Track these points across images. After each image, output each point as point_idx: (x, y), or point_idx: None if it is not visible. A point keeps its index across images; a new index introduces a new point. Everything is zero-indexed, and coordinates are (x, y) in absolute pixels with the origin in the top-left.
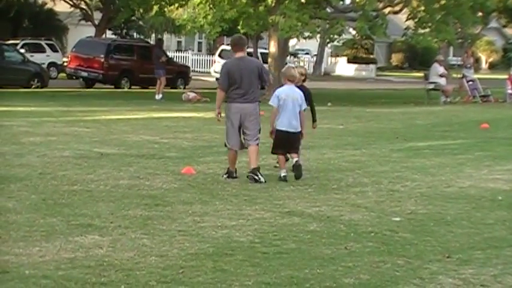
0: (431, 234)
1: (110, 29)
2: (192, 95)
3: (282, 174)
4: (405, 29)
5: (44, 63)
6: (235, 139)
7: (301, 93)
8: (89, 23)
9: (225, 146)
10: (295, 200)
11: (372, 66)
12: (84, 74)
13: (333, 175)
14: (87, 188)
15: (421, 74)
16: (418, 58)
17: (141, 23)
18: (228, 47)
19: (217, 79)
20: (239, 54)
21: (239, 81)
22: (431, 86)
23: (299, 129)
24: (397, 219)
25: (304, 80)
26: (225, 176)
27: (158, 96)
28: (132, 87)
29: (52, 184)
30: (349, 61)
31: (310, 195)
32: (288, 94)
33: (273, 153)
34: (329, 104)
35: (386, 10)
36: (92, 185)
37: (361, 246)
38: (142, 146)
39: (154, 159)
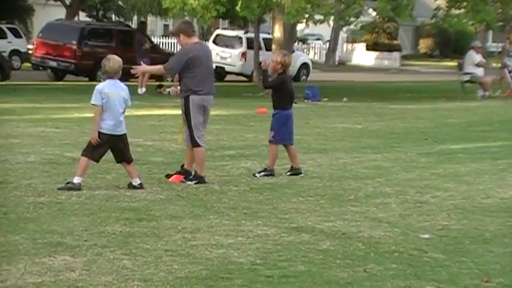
0: (467, 254)
1: (83, 10)
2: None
3: (76, 181)
4: (435, 9)
5: (4, 52)
6: (204, 134)
7: (127, 88)
8: (59, 2)
9: (196, 145)
10: (304, 213)
11: (396, 54)
12: (53, 64)
13: (350, 184)
14: (56, 199)
15: (454, 63)
16: (451, 44)
17: (120, 3)
18: (225, 32)
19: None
20: (196, 39)
21: (204, 69)
22: (467, 78)
23: (124, 131)
24: (426, 236)
25: (283, 71)
26: (193, 182)
27: (141, 90)
28: None
29: (15, 195)
30: (368, 48)
31: (322, 208)
32: (112, 90)
33: (86, 156)
34: (344, 99)
35: None
36: (62, 196)
37: (383, 269)
38: None
39: (136, 164)
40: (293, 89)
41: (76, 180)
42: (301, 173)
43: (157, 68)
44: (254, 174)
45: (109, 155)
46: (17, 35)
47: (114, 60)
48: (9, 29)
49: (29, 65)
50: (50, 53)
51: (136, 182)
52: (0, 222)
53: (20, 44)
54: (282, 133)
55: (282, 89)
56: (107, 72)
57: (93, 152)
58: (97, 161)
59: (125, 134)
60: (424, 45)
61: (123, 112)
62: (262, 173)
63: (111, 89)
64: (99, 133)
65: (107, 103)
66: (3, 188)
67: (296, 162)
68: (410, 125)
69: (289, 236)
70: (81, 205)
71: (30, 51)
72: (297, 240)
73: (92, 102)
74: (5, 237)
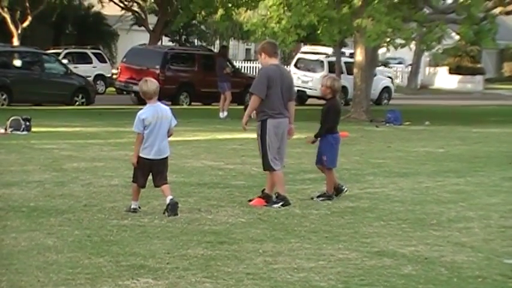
0: None
1: (166, 35)
2: None
3: (133, 206)
4: None
5: (90, 76)
6: (278, 158)
7: (169, 109)
8: (142, 28)
9: (270, 169)
10: (386, 237)
11: (479, 78)
12: (137, 88)
13: (432, 208)
14: (139, 222)
15: None
16: None
17: (203, 27)
18: (306, 56)
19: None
20: (275, 61)
21: (279, 91)
22: None
23: (167, 154)
24: (511, 261)
25: (333, 96)
26: (278, 205)
27: (223, 114)
28: (193, 103)
29: (98, 218)
30: (451, 72)
31: (403, 232)
32: (155, 115)
33: (135, 183)
34: (427, 123)
35: (497, 10)
36: (144, 219)
37: None
38: (204, 172)
39: (218, 188)
40: (340, 112)
41: (133, 205)
42: (333, 198)
43: (252, 103)
44: (312, 198)
45: (189, 178)
46: (101, 59)
47: (151, 82)
48: (94, 54)
49: (113, 89)
50: (133, 77)
51: (168, 199)
52: (84, 245)
53: (105, 69)
54: (332, 156)
55: (332, 114)
56: (144, 94)
57: (139, 180)
58: (144, 187)
59: (167, 157)
60: (508, 68)
61: (168, 134)
62: (320, 198)
63: (154, 115)
64: (140, 157)
65: (149, 132)
66: (87, 210)
67: (330, 187)
68: (493, 149)
69: (371, 260)
70: (163, 228)
71: (114, 76)
72: (379, 265)
73: (134, 129)
74: (89, 259)
